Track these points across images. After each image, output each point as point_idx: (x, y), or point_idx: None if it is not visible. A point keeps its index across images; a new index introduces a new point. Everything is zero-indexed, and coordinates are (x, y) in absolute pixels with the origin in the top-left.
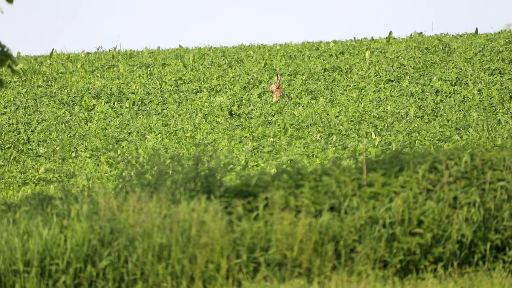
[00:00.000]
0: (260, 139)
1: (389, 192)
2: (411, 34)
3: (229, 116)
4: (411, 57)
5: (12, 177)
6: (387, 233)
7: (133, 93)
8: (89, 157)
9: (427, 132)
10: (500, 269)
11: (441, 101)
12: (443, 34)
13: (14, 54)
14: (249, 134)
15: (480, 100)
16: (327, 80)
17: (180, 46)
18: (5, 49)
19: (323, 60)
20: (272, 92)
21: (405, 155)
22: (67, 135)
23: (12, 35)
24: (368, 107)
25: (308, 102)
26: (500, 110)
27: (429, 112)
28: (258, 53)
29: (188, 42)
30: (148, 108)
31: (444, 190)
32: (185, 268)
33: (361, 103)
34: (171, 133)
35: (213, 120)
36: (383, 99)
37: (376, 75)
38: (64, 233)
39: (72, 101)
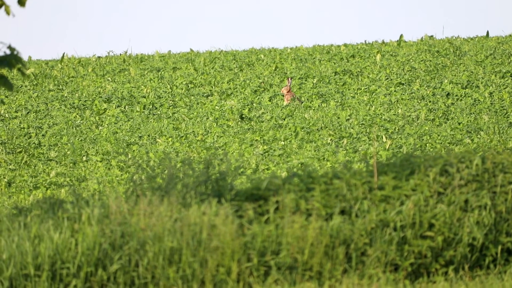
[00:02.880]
0: (271, 143)
1: (400, 195)
2: (422, 37)
3: (240, 119)
4: (422, 60)
5: (23, 181)
6: (398, 236)
7: (144, 97)
8: (100, 161)
9: (438, 135)
10: (511, 272)
11: (452, 104)
12: (454, 37)
13: (25, 58)
14: (260, 138)
15: (491, 103)
16: (338, 83)
17: (191, 49)
18: (15, 52)
19: (334, 64)
20: (283, 96)
21: (416, 158)
22: (78, 139)
23: (23, 39)
24: (379, 110)
25: (319, 105)
26: (511, 113)
27: (440, 115)
28: (269, 56)
29: (199, 46)
30: (159, 112)
31: (455, 193)
32: (196, 271)
33: (372, 106)
34: (182, 136)
35: (224, 123)
36: (394, 102)
37: (387, 78)
38: (75, 237)
39: (83, 105)
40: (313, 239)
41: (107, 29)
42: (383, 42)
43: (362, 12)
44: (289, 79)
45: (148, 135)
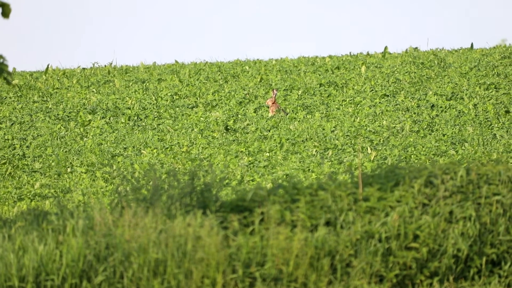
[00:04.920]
0: (256, 154)
1: (385, 207)
2: (406, 49)
3: (225, 131)
4: (406, 72)
5: (7, 192)
6: (383, 248)
7: (129, 108)
8: (85, 172)
9: (423, 147)
10: (496, 284)
11: (437, 115)
12: (438, 49)
13: (10, 69)
14: (245, 149)
15: (476, 115)
16: (322, 95)
17: (176, 61)
18: (1, 60)
19: (319, 75)
20: (268, 107)
21: (401, 170)
22: (62, 151)
23: (8, 50)
24: (364, 121)
25: (304, 117)
26: (496, 125)
27: (425, 126)
28: (254, 68)
29: (184, 58)
30: (143, 123)
31: (439, 205)
32: (181, 283)
33: (356, 118)
34: (167, 148)
35: (209, 135)
36: (379, 113)
37: (372, 90)
38: (59, 249)
39: (68, 117)
40: (298, 251)
41: (92, 40)
42: (368, 53)
43: (347, 24)
44: (274, 90)
45: (133, 147)
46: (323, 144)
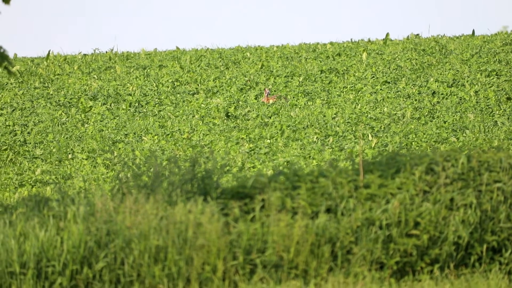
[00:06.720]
0: (256, 141)
1: (385, 194)
2: (408, 36)
3: (225, 117)
4: (407, 59)
5: (8, 178)
6: (383, 235)
7: (130, 95)
8: (86, 159)
9: (424, 134)
10: (497, 271)
11: (438, 102)
12: (439, 36)
13: (11, 55)
14: (246, 136)
15: (477, 102)
16: (324, 81)
17: (177, 47)
18: (1, 50)
19: (320, 62)
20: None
21: (402, 157)
22: (63, 137)
23: (9, 36)
24: (365, 108)
25: (305, 103)
26: (497, 112)
27: (426, 113)
28: (255, 54)
29: (185, 44)
30: (144, 110)
31: (440, 192)
32: (182, 269)
33: (357, 105)
34: (168, 134)
35: (210, 121)
36: (380, 100)
37: (373, 77)
38: (60, 235)
39: (69, 103)
40: (298, 238)
41: (93, 26)
42: (369, 40)
43: (348, 11)
44: (266, 90)
45: (134, 133)
46: (324, 131)
